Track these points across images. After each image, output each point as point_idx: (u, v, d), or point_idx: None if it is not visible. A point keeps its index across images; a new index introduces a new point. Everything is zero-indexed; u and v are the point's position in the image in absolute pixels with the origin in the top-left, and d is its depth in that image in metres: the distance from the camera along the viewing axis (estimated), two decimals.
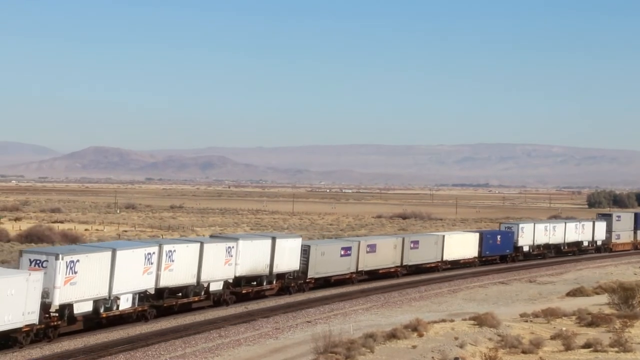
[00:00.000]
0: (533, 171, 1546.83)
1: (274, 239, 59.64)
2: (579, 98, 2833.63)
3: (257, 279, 58.51)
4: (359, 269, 69.20)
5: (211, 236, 64.34)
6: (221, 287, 54.44)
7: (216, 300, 54.40)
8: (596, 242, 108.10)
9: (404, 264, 75.06)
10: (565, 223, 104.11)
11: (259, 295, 59.03)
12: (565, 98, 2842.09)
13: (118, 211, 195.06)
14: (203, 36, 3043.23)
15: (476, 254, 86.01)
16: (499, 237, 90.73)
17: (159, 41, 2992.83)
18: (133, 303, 47.33)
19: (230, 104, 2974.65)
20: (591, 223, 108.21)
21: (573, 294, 66.02)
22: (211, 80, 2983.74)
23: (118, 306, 45.96)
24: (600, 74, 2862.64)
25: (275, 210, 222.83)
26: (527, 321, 49.77)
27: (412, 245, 75.90)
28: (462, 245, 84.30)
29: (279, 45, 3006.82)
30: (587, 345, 40.97)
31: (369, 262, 70.30)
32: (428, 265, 78.98)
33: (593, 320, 48.27)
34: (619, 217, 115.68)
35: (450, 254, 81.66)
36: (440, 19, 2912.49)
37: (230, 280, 55.41)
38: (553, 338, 43.22)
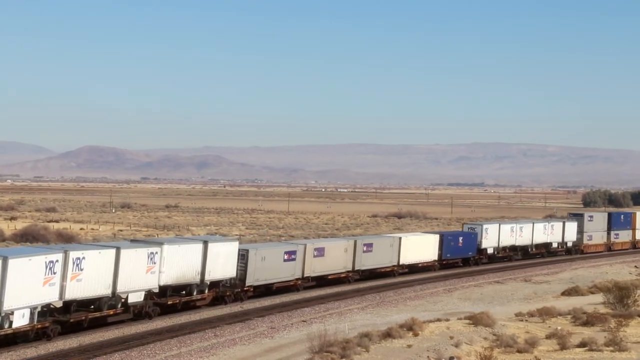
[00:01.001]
0: (528, 170, 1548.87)
1: (205, 242, 53.76)
2: (574, 98, 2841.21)
3: (186, 288, 52.90)
4: (305, 275, 63.46)
5: (132, 241, 58.19)
6: (142, 299, 48.50)
7: (137, 313, 48.54)
8: (566, 243, 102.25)
9: (356, 268, 69.76)
10: (533, 223, 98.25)
11: (188, 307, 53.21)
12: (561, 98, 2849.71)
13: (113, 210, 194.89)
14: (199, 36, 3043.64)
15: (436, 257, 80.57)
16: (461, 238, 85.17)
17: (155, 41, 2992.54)
18: (31, 319, 41.00)
19: (226, 104, 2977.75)
20: (561, 223, 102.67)
21: (568, 293, 66.05)
22: (207, 80, 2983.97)
23: (11, 323, 39.80)
24: (596, 74, 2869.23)
25: (270, 209, 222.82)
26: (522, 320, 49.79)
27: (365, 249, 70.50)
28: (420, 247, 78.81)
29: (275, 45, 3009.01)
30: (582, 345, 40.95)
31: (316, 267, 64.64)
32: (383, 270, 73.58)
33: (588, 320, 48.25)
34: (591, 217, 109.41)
35: (408, 258, 76.41)
36: (437, 19, 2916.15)
37: (155, 290, 49.58)
38: (548, 337, 43.21)
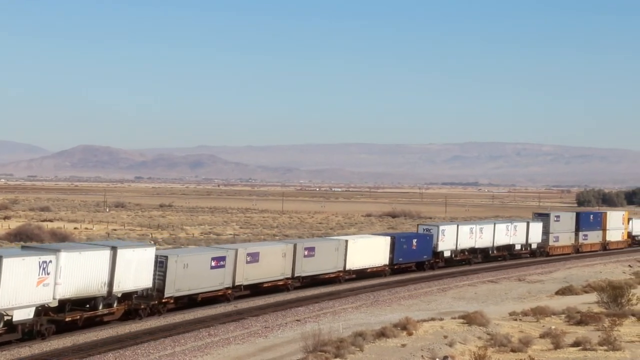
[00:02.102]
0: (523, 170, 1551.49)
1: (114, 248, 47.03)
2: (569, 97, 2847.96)
3: (91, 301, 45.96)
4: (237, 283, 57.39)
5: (23, 247, 50.84)
6: (32, 315, 41.31)
7: (27, 332, 41.65)
8: (531, 245, 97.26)
9: (296, 275, 63.80)
10: (495, 224, 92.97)
11: (93, 322, 46.69)
12: (555, 97, 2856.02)
13: (107, 210, 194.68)
14: (194, 36, 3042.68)
15: (387, 262, 74.91)
16: (414, 241, 79.29)
17: (149, 41, 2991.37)
18: None
19: (221, 103, 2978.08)
20: (525, 224, 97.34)
21: (562, 292, 66.16)
22: (201, 79, 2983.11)
23: None
24: (592, 73, 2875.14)
25: (265, 209, 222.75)
26: (516, 320, 49.88)
27: (306, 253, 64.65)
28: (369, 251, 73.08)
29: (270, 45, 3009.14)
30: (576, 344, 41.05)
31: (250, 275, 58.63)
32: (327, 276, 67.79)
33: (582, 319, 48.38)
34: (557, 217, 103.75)
35: (355, 262, 70.59)
36: (432, 19, 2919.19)
37: (51, 305, 42.71)
38: (542, 337, 43.32)
